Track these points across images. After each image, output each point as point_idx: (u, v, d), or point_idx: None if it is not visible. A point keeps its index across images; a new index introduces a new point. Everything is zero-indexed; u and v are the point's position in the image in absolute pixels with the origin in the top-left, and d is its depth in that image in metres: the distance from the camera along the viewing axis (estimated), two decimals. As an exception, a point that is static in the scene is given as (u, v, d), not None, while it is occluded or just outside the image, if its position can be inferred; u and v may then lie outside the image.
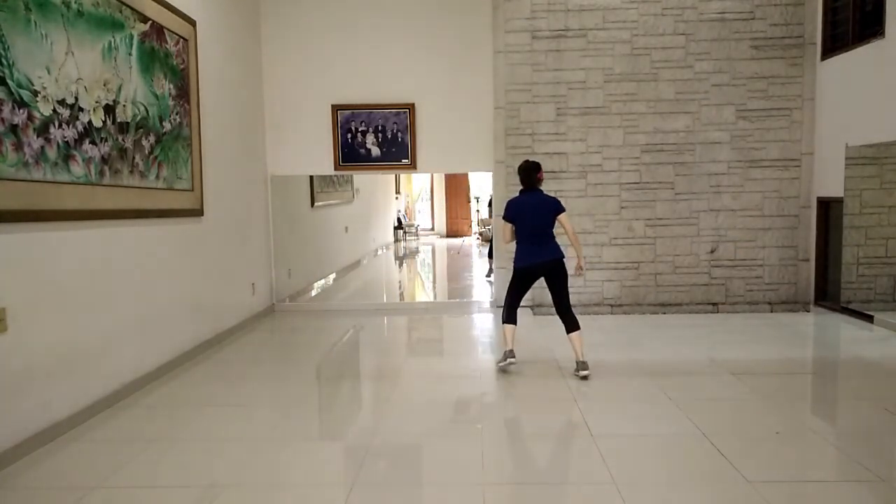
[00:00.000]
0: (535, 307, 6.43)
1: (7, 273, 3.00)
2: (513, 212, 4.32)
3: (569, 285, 4.32)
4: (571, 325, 4.26)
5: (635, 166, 6.47)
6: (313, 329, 6.07)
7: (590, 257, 6.53)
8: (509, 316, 4.38)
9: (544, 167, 6.42)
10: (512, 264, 4.42)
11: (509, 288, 4.43)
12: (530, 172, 4.32)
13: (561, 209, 4.26)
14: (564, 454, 3.04)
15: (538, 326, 5.80)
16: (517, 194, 4.43)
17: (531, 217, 4.26)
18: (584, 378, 4.13)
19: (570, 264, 4.33)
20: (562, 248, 4.30)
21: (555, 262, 4.24)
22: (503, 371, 4.34)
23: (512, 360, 4.28)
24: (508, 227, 4.35)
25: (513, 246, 4.45)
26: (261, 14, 6.64)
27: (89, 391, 3.59)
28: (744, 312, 6.42)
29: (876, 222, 5.98)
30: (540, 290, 6.53)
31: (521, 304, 4.47)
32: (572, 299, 6.42)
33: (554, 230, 4.31)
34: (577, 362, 4.20)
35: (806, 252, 6.50)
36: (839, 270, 6.11)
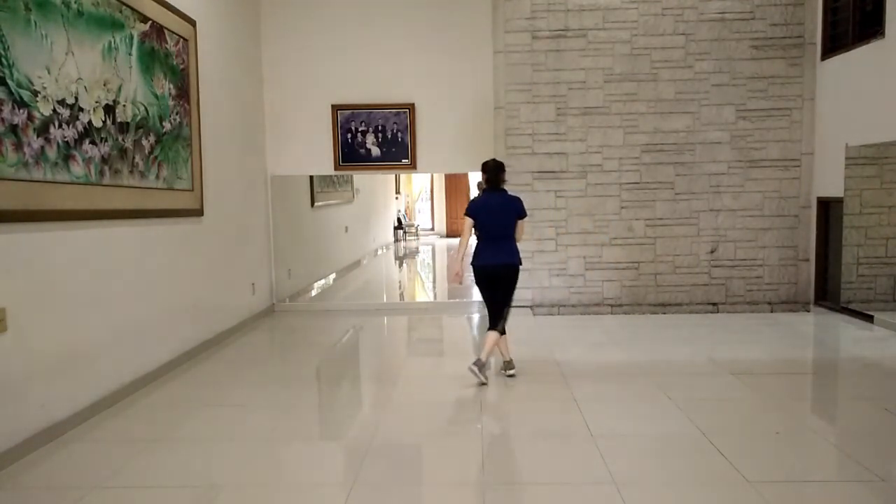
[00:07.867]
0: (535, 307, 6.43)
1: (7, 273, 3.00)
2: (475, 209, 4.22)
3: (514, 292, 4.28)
4: (501, 328, 4.21)
5: (635, 166, 6.47)
6: (313, 329, 6.07)
7: (590, 257, 6.53)
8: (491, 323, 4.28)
9: (544, 167, 6.53)
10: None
11: (481, 295, 4.37)
12: (497, 172, 4.24)
13: (523, 213, 4.21)
14: (564, 454, 3.04)
15: (538, 326, 5.79)
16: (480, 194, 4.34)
17: (493, 216, 4.18)
18: (511, 377, 4.21)
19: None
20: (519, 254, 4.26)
21: (509, 268, 4.20)
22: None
23: (493, 372, 4.14)
24: (468, 223, 4.23)
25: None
26: (261, 14, 6.64)
27: (89, 391, 3.59)
28: (744, 312, 6.42)
29: (876, 222, 5.99)
30: (539, 289, 6.55)
31: (515, 305, 4.40)
32: (572, 300, 6.48)
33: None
34: (504, 362, 4.26)
35: (806, 252, 6.50)
36: (839, 270, 6.11)
